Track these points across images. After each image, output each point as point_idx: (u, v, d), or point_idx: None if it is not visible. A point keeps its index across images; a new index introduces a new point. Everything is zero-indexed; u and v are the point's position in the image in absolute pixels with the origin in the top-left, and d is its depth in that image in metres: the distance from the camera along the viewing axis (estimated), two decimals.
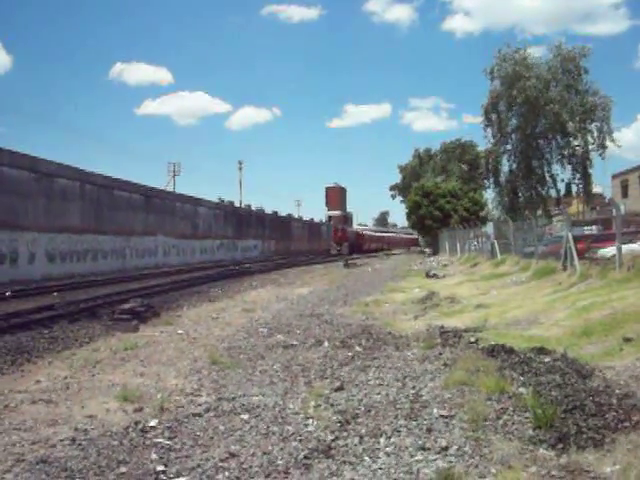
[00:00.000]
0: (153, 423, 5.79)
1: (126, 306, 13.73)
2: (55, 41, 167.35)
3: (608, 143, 39.16)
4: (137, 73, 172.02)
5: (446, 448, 4.88)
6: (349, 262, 41.03)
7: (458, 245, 40.84)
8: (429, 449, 4.90)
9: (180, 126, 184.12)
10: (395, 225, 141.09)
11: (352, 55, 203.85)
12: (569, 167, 41.22)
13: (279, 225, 72.06)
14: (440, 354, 8.63)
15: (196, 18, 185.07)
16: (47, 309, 14.68)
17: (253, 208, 67.53)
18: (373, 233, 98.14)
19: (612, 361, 7.08)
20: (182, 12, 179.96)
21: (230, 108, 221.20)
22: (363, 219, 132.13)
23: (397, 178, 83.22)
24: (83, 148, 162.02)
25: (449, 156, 73.16)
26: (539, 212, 37.95)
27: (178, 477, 4.59)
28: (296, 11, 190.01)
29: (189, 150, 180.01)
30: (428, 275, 26.47)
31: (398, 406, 6.12)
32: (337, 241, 69.08)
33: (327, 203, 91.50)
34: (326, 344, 9.98)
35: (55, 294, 19.85)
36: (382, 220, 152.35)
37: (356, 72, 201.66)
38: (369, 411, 6.02)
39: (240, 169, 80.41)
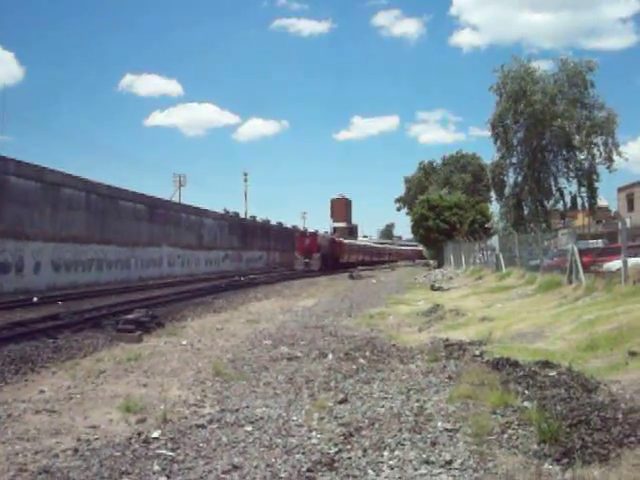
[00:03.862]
0: (156, 434, 5.77)
1: (130, 316, 13.72)
2: (66, 52, 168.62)
3: (615, 156, 39.08)
4: (147, 84, 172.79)
5: (450, 462, 4.86)
6: (354, 274, 41.45)
7: (463, 258, 40.81)
8: (433, 463, 4.87)
9: (188, 137, 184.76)
10: (400, 237, 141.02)
11: (360, 68, 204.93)
12: (575, 180, 41.16)
13: (284, 237, 71.51)
14: (445, 367, 8.62)
15: (207, 31, 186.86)
16: (52, 319, 14.68)
17: (258, 219, 67.42)
18: (357, 243, 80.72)
19: (618, 375, 7.04)
20: (193, 25, 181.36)
21: (238, 120, 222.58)
22: (368, 231, 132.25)
23: (403, 190, 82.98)
24: (91, 158, 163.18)
25: (450, 168, 73.40)
26: (544, 225, 37.78)
27: None
28: (306, 25, 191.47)
29: (196, 161, 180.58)
30: (433, 287, 26.45)
31: (402, 419, 6.09)
32: (304, 252, 52.40)
33: (332, 215, 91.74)
34: (330, 356, 9.95)
35: (60, 303, 19.87)
36: (387, 232, 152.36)
37: (364, 85, 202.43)
38: (373, 424, 5.99)
39: (246, 180, 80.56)
